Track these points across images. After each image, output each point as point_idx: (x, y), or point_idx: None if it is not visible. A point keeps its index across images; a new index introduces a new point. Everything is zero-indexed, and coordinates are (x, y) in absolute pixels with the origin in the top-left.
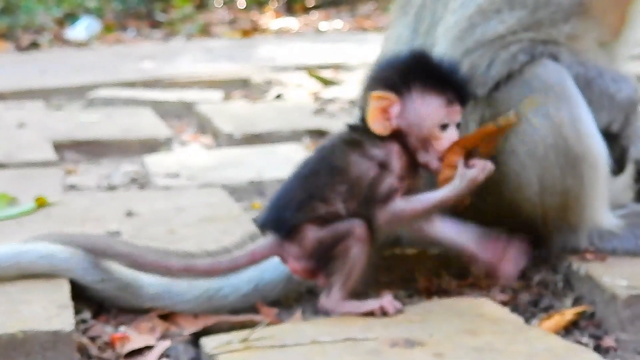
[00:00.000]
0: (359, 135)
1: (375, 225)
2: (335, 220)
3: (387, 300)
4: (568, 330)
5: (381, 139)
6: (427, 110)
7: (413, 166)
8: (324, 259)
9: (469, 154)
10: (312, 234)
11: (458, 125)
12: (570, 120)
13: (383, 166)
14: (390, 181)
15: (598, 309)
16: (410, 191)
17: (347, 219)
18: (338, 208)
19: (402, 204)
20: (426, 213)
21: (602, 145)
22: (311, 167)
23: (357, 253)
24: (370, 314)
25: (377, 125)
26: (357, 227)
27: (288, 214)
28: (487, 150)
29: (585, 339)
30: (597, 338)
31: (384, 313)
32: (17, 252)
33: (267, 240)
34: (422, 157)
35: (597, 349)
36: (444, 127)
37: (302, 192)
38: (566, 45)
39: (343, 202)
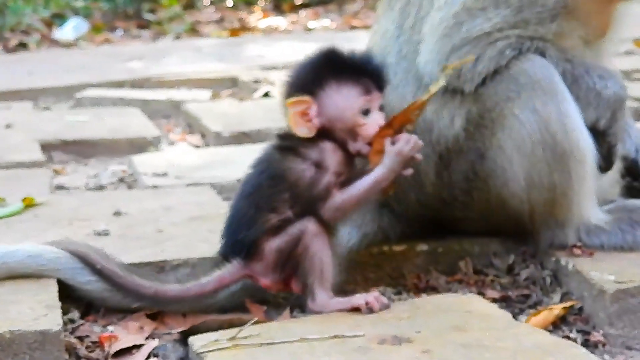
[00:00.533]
0: (291, 140)
1: (323, 220)
2: (288, 227)
3: (373, 296)
4: (556, 325)
5: (312, 139)
6: (344, 101)
7: (348, 158)
8: (289, 266)
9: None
10: (270, 245)
11: (382, 108)
12: (557, 115)
13: (318, 166)
14: (327, 179)
15: (586, 304)
16: (349, 181)
17: (298, 221)
18: (287, 214)
19: (340, 197)
20: (365, 198)
21: (589, 140)
22: (253, 183)
23: (318, 248)
24: (357, 309)
25: (301, 130)
26: (309, 224)
27: (242, 234)
28: (412, 128)
29: (573, 334)
30: (585, 333)
31: (370, 309)
32: (4, 253)
33: (233, 264)
34: (353, 147)
35: (586, 344)
36: (365, 113)
37: (250, 209)
38: (553, 42)
39: (290, 208)
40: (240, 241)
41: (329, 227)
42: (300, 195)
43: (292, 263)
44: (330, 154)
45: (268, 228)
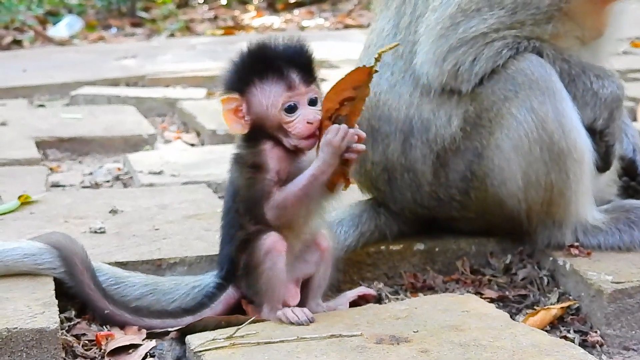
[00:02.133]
0: (239, 148)
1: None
2: (252, 241)
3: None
4: (554, 325)
5: (255, 141)
6: (267, 99)
7: (290, 155)
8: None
9: (334, 121)
10: (241, 262)
11: (313, 102)
12: (554, 114)
13: (256, 167)
14: (266, 178)
15: (583, 304)
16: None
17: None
18: (250, 229)
19: (279, 194)
20: (305, 192)
21: (587, 140)
22: (225, 200)
23: (266, 264)
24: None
25: (234, 127)
26: (266, 239)
27: (221, 254)
28: (351, 119)
29: (571, 334)
30: (583, 333)
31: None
32: (1, 251)
33: (232, 286)
34: (288, 143)
35: (583, 344)
36: (291, 109)
37: (226, 228)
38: (550, 42)
39: (250, 221)
40: (223, 261)
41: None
42: (247, 202)
43: (249, 279)
44: (269, 154)
45: (238, 244)
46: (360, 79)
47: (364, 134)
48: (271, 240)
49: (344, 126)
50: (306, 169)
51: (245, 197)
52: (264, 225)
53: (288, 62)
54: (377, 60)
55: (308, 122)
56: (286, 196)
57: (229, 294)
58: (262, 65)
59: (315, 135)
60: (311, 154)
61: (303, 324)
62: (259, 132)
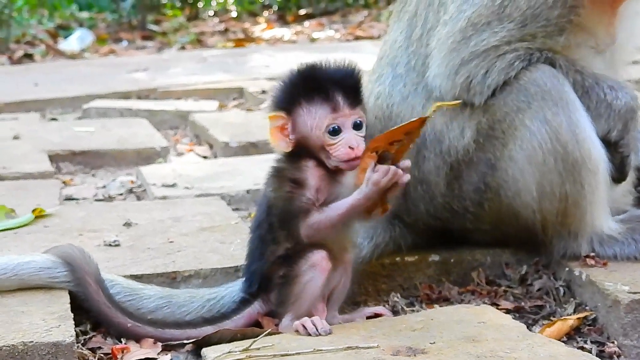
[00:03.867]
0: (280, 162)
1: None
2: (294, 257)
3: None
4: (570, 336)
5: (296, 157)
6: (311, 120)
7: (331, 175)
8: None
9: (382, 159)
10: (276, 276)
11: (358, 126)
12: (568, 125)
13: (296, 182)
14: (306, 195)
15: (600, 315)
16: (332, 201)
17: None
18: (286, 245)
19: (317, 216)
20: (342, 219)
21: (601, 150)
22: (257, 214)
23: (306, 279)
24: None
25: (279, 144)
26: (314, 255)
27: (252, 267)
28: (398, 156)
29: (588, 345)
30: (600, 344)
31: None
32: (16, 264)
33: (260, 300)
34: (329, 163)
35: (600, 355)
36: (334, 132)
37: (258, 242)
38: (562, 53)
39: (287, 238)
40: (252, 275)
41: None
42: (283, 217)
43: (284, 289)
44: (310, 171)
45: (274, 260)
46: (413, 127)
47: (408, 163)
48: (319, 256)
49: (392, 168)
50: (345, 189)
51: (283, 211)
52: (298, 241)
53: (335, 84)
54: (434, 110)
55: (350, 147)
56: (323, 219)
57: (254, 309)
58: (309, 86)
59: (357, 159)
60: (351, 174)
61: (321, 335)
62: (302, 151)
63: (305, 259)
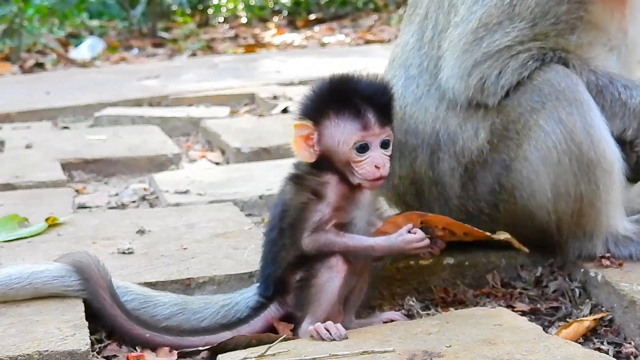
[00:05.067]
0: (300, 169)
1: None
2: (310, 261)
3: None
4: (587, 337)
5: (319, 168)
6: (340, 134)
7: (351, 192)
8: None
9: (423, 230)
10: (293, 279)
11: (386, 145)
12: (582, 125)
13: (315, 194)
14: (321, 209)
15: (616, 315)
16: (344, 223)
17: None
18: (292, 251)
19: (333, 237)
20: (354, 251)
21: (616, 150)
22: (271, 219)
23: (324, 281)
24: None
25: (302, 153)
26: (332, 259)
27: (268, 271)
28: (439, 238)
29: (604, 346)
30: (616, 345)
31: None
32: (30, 273)
33: (276, 303)
34: (353, 179)
35: (617, 355)
36: (362, 149)
37: (272, 246)
38: (575, 53)
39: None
40: (267, 278)
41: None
42: (292, 224)
43: (302, 292)
44: (333, 187)
45: (289, 264)
46: (475, 235)
47: (442, 246)
48: (336, 260)
49: (427, 242)
50: (361, 212)
51: (294, 219)
52: (300, 249)
53: (368, 100)
54: (503, 239)
55: (376, 166)
56: (339, 242)
57: (270, 313)
58: (340, 99)
59: (382, 178)
60: (369, 194)
61: (336, 340)
62: (325, 162)
63: (322, 262)
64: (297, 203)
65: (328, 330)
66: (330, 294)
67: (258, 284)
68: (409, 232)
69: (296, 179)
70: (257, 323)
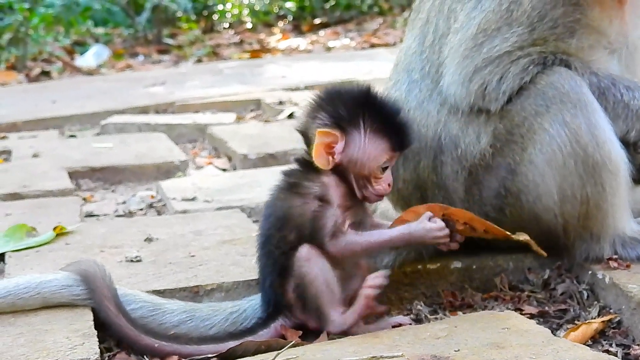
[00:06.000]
0: (295, 177)
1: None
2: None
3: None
4: (595, 340)
5: (317, 173)
6: (372, 151)
7: (352, 192)
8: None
9: (444, 219)
10: (289, 287)
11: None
12: (587, 127)
13: (321, 199)
14: (333, 213)
15: (625, 317)
16: (360, 220)
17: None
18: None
19: (354, 237)
20: (378, 248)
21: (621, 151)
22: (263, 230)
23: (315, 271)
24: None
25: (321, 160)
26: (301, 250)
27: (267, 283)
28: (458, 233)
29: (613, 348)
30: (625, 347)
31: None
32: (38, 282)
33: (284, 314)
34: (360, 193)
35: (626, 357)
36: (385, 169)
37: (267, 257)
38: (577, 56)
39: (294, 238)
40: (267, 290)
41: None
42: (305, 231)
43: (300, 297)
44: (334, 189)
45: (278, 273)
46: (496, 233)
47: (461, 240)
48: (305, 250)
49: (447, 231)
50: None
51: (311, 229)
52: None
53: (397, 122)
54: (520, 239)
55: (389, 185)
56: (362, 242)
57: (280, 322)
58: (377, 114)
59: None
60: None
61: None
62: (333, 170)
63: (297, 260)
64: (306, 213)
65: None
66: (325, 279)
67: (261, 292)
68: (433, 222)
69: (294, 188)
70: (267, 334)
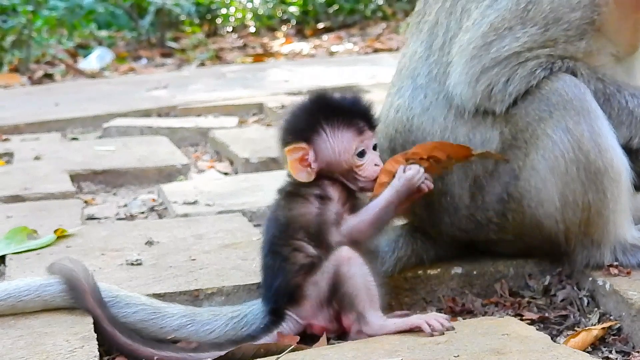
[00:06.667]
0: (292, 185)
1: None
2: (320, 262)
3: (433, 317)
4: (595, 346)
5: (314, 181)
6: (340, 145)
7: (349, 191)
8: (335, 300)
9: (410, 163)
10: (308, 284)
11: (375, 147)
12: (590, 134)
13: (322, 198)
14: (334, 206)
15: (625, 324)
16: (357, 208)
17: (329, 254)
18: (312, 251)
19: (353, 220)
20: (379, 219)
21: (623, 159)
22: (266, 238)
23: (356, 271)
24: (416, 330)
25: (301, 176)
26: (341, 251)
27: (276, 283)
28: (430, 172)
29: (613, 355)
30: (625, 354)
31: (432, 330)
32: (38, 286)
33: (288, 319)
34: (356, 185)
35: None
36: (361, 154)
37: (274, 260)
38: (583, 61)
39: (313, 245)
40: (278, 290)
41: (364, 251)
42: (313, 229)
43: (336, 296)
44: (332, 188)
45: (298, 268)
46: (459, 154)
47: (432, 186)
48: (346, 250)
49: (422, 168)
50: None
51: (312, 225)
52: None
53: (352, 109)
54: (484, 155)
55: (376, 165)
56: (361, 221)
57: (283, 329)
58: (330, 113)
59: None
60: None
61: (446, 329)
62: (321, 175)
63: (338, 259)
64: (310, 211)
65: (440, 322)
66: (371, 278)
67: (264, 300)
68: (404, 172)
69: (294, 193)
70: (269, 340)
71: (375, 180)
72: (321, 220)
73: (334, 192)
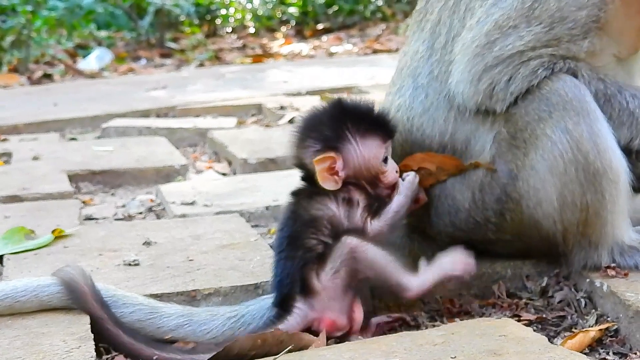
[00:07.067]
0: (313, 186)
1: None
2: (332, 251)
3: (458, 257)
4: (592, 348)
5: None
6: (369, 152)
7: (371, 195)
8: (353, 286)
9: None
10: (324, 272)
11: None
12: (589, 135)
13: (349, 202)
14: (359, 212)
15: (622, 326)
16: (379, 209)
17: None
18: (327, 240)
19: (376, 224)
20: (396, 220)
21: (622, 160)
22: (284, 235)
23: (372, 251)
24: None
25: (328, 184)
26: (350, 239)
27: (289, 272)
28: (424, 180)
29: (610, 357)
30: (622, 355)
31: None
32: (36, 286)
33: (294, 314)
34: (380, 191)
35: None
36: (385, 160)
37: (289, 252)
38: (585, 61)
39: (329, 236)
40: (292, 280)
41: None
42: (341, 231)
43: (357, 281)
44: (356, 192)
45: (313, 257)
46: (447, 165)
47: (426, 198)
48: (351, 238)
49: (417, 176)
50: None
51: (336, 224)
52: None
53: (375, 116)
54: (474, 166)
55: (396, 171)
56: (383, 223)
57: (287, 325)
58: (356, 120)
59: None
60: None
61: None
62: (346, 182)
63: (350, 247)
64: (335, 216)
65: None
66: (379, 256)
67: (275, 288)
68: (403, 179)
69: (315, 194)
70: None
71: (394, 186)
72: (350, 224)
73: (359, 196)
